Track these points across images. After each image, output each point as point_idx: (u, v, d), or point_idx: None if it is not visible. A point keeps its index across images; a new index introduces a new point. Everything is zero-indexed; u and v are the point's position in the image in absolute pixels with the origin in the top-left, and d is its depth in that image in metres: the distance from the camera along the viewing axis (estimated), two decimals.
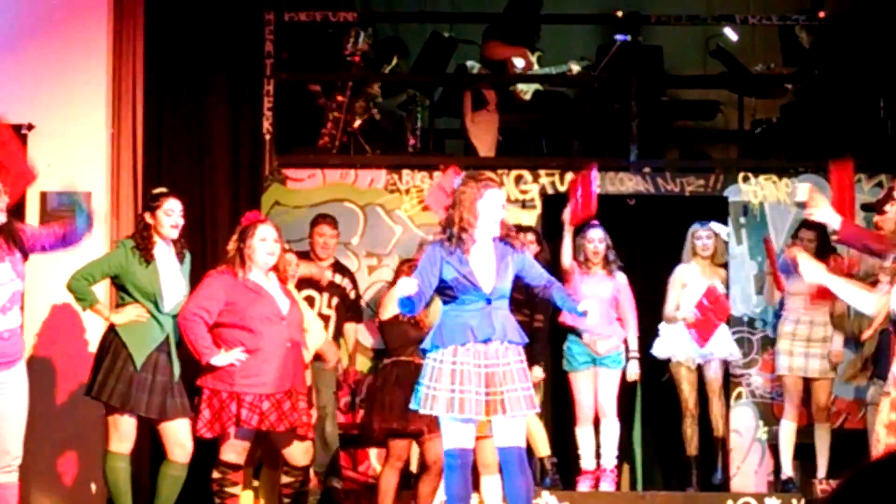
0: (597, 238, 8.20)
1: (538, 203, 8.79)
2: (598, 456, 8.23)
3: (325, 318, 8.00)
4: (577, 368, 8.20)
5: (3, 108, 7.23)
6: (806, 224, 8.09)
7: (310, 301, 7.95)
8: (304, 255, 8.13)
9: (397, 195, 8.79)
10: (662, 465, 9.18)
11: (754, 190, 8.80)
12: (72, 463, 7.84)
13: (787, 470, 8.28)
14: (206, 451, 6.84)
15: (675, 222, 8.65)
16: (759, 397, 8.67)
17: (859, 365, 8.41)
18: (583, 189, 8.08)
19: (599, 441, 8.23)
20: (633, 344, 8.23)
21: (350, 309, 8.29)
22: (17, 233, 6.31)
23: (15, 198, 6.42)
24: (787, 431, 8.25)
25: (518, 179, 8.82)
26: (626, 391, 8.44)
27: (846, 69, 9.13)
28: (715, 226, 8.57)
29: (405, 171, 8.82)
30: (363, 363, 8.55)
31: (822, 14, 9.17)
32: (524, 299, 7.19)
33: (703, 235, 8.46)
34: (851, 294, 5.83)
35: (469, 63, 9.37)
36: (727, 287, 8.52)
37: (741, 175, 8.83)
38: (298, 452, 6.80)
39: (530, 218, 8.69)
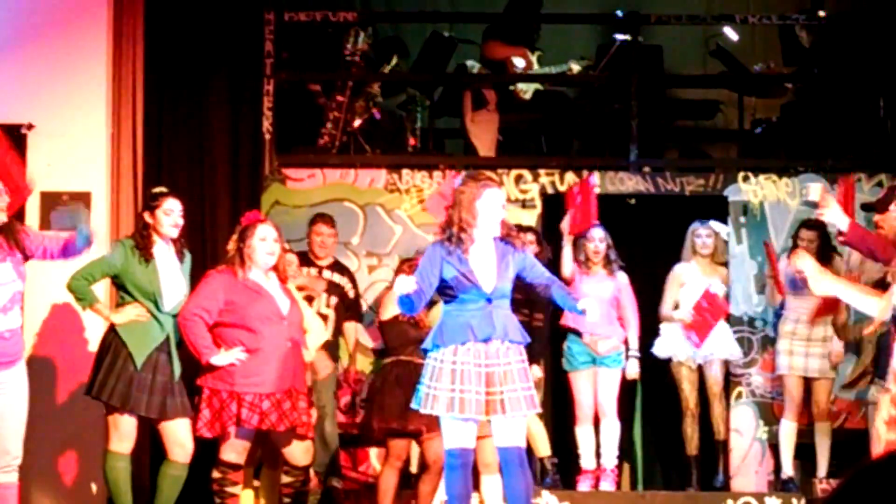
0: (598, 237, 8.19)
1: (538, 203, 8.78)
2: (598, 455, 8.22)
3: (324, 318, 7.99)
4: (577, 368, 8.19)
5: (3, 108, 7.25)
6: (806, 224, 8.10)
7: (308, 300, 7.94)
8: (303, 256, 8.13)
9: (397, 195, 8.79)
10: (663, 465, 9.18)
11: (754, 189, 8.79)
12: (72, 463, 7.84)
13: (788, 469, 8.28)
14: (206, 450, 6.83)
15: (675, 222, 8.64)
16: (759, 397, 8.66)
17: (858, 372, 8.42)
18: (582, 198, 8.08)
19: (599, 441, 8.22)
20: (634, 343, 8.22)
21: (349, 308, 8.28)
22: (18, 234, 6.31)
23: (11, 211, 6.41)
24: (788, 431, 8.24)
25: (518, 179, 8.81)
26: (627, 391, 8.44)
27: (846, 69, 9.13)
28: (715, 225, 8.57)
29: (405, 171, 8.82)
30: (363, 363, 8.54)
31: (822, 14, 9.18)
32: (524, 299, 7.19)
33: (702, 234, 8.45)
34: (862, 301, 5.81)
35: (469, 63, 9.37)
36: (728, 286, 8.52)
37: (741, 175, 8.82)
38: (299, 452, 6.80)
39: (530, 218, 8.68)
